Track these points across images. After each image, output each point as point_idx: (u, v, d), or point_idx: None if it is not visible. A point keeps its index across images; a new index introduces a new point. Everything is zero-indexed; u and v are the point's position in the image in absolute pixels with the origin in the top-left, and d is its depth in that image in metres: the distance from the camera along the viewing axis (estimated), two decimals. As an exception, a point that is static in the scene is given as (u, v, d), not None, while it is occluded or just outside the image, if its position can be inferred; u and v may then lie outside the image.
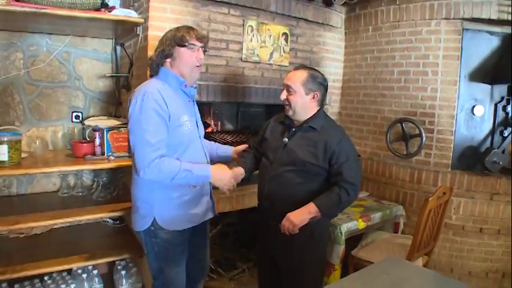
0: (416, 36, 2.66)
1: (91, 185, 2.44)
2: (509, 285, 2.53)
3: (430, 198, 2.01)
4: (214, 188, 1.74)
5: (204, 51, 1.64)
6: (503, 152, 2.57)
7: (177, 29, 1.59)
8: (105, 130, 2.06)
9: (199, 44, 1.59)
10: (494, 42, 2.58)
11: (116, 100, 2.55)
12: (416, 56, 2.66)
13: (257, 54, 2.52)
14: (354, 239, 2.41)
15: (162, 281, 1.68)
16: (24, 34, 2.24)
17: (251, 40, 2.47)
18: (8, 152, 1.76)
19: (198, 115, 1.77)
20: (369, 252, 2.29)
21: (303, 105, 1.71)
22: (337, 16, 2.99)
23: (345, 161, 1.66)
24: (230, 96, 2.45)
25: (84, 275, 2.12)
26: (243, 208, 2.41)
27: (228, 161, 2.02)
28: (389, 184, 2.83)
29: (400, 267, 1.45)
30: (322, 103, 1.78)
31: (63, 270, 2.07)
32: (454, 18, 2.52)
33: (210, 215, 1.76)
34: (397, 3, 2.72)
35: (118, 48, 2.54)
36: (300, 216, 1.64)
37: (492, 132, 2.64)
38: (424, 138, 2.60)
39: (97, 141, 2.08)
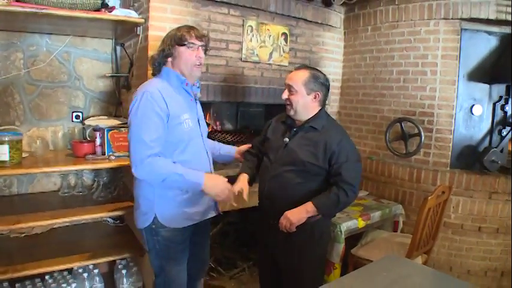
0: (415, 36, 2.67)
1: (91, 184, 2.44)
2: (508, 283, 2.55)
3: (429, 197, 2.02)
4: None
5: (206, 51, 1.65)
6: (501, 151, 2.58)
7: (178, 28, 1.61)
8: (105, 130, 2.06)
9: (199, 43, 1.60)
10: (492, 42, 2.59)
11: (116, 100, 2.56)
12: (415, 55, 2.67)
13: (257, 54, 2.53)
14: (354, 238, 2.42)
15: (164, 279, 1.69)
16: (24, 34, 2.25)
17: (251, 40, 2.48)
18: (9, 151, 1.77)
19: (201, 114, 1.78)
20: (368, 251, 2.30)
21: (304, 105, 1.72)
22: (336, 16, 3.00)
23: (345, 161, 1.67)
24: (230, 96, 2.46)
25: (85, 274, 2.12)
26: (243, 207, 2.41)
27: (231, 161, 2.03)
28: (388, 183, 2.84)
29: (399, 265, 1.46)
30: (323, 103, 1.79)
31: (64, 270, 2.08)
32: (452, 18, 2.53)
33: (213, 214, 1.77)
34: (396, 3, 2.73)
35: (118, 48, 2.54)
36: (298, 215, 1.65)
37: (491, 132, 2.65)
38: (423, 138, 2.61)
39: (98, 141, 2.09)
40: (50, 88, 2.37)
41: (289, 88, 1.72)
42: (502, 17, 2.44)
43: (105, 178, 2.35)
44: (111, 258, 2.12)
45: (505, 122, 2.62)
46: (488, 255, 2.56)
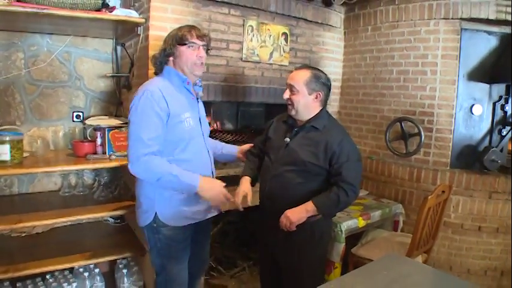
0: (415, 36, 2.67)
1: (92, 184, 2.45)
2: (508, 283, 2.55)
3: (429, 197, 2.02)
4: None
5: (207, 50, 1.66)
6: (501, 150, 2.59)
7: (180, 28, 1.62)
8: (106, 129, 2.07)
9: (200, 43, 1.61)
10: (492, 42, 2.60)
11: (117, 100, 2.56)
12: (415, 55, 2.68)
13: (257, 54, 2.53)
14: (354, 237, 2.43)
15: (165, 277, 1.70)
16: (25, 34, 2.25)
17: (251, 40, 2.48)
18: (10, 151, 1.78)
19: (203, 113, 1.79)
20: (368, 250, 2.30)
21: (306, 105, 1.72)
22: (337, 16, 3.00)
23: (345, 161, 1.67)
24: (230, 95, 2.46)
25: (86, 274, 2.13)
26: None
27: (233, 160, 2.04)
28: (388, 183, 2.85)
29: (400, 264, 1.46)
30: (325, 103, 1.79)
31: (65, 269, 2.09)
32: (452, 18, 2.53)
33: (214, 213, 1.77)
34: (396, 3, 2.74)
35: (119, 48, 2.55)
36: (298, 214, 1.66)
37: (490, 131, 2.65)
38: (423, 137, 2.62)
39: (98, 140, 2.09)
40: (50, 88, 2.37)
41: (291, 88, 1.73)
42: (502, 17, 2.45)
43: (105, 178, 2.36)
44: (111, 258, 2.12)
45: (504, 121, 2.62)
46: (488, 254, 2.56)
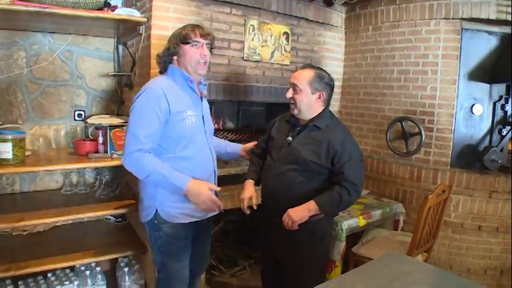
0: (415, 36, 2.68)
1: (94, 182, 2.45)
2: (508, 282, 2.56)
3: (430, 196, 2.03)
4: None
5: (211, 49, 1.67)
6: (501, 150, 2.60)
7: (183, 27, 1.63)
8: (108, 128, 2.07)
9: (203, 41, 1.61)
10: (492, 42, 2.60)
11: (118, 99, 2.57)
12: (416, 55, 2.69)
13: (258, 53, 2.54)
14: (355, 236, 2.43)
15: (166, 274, 1.71)
16: (26, 33, 2.25)
17: (252, 39, 2.49)
18: (12, 150, 1.78)
19: (207, 111, 1.79)
20: (369, 249, 2.31)
21: (309, 104, 1.72)
22: (338, 16, 3.01)
23: (348, 160, 1.67)
24: (232, 94, 2.46)
25: (87, 272, 2.13)
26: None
27: (237, 159, 2.05)
28: (389, 182, 2.85)
29: (400, 262, 1.47)
30: (328, 103, 1.79)
31: (66, 267, 2.09)
32: (453, 18, 2.54)
33: (215, 212, 1.77)
34: (397, 3, 2.74)
35: (120, 47, 2.55)
36: (300, 213, 1.66)
37: (491, 131, 2.66)
38: (423, 137, 2.63)
39: (100, 139, 2.09)
40: (52, 87, 2.38)
41: (294, 87, 1.73)
42: (503, 17, 2.45)
43: (107, 176, 2.37)
44: (113, 256, 2.12)
45: (505, 121, 2.63)
46: (488, 253, 2.57)
